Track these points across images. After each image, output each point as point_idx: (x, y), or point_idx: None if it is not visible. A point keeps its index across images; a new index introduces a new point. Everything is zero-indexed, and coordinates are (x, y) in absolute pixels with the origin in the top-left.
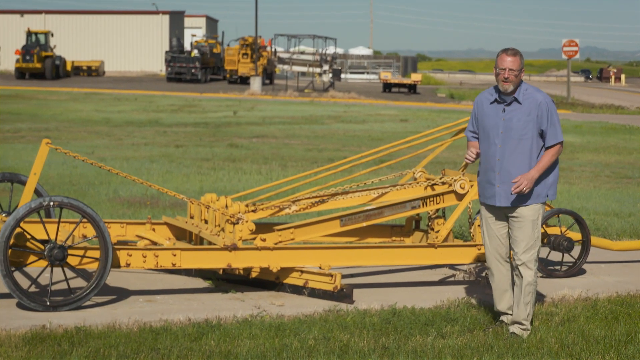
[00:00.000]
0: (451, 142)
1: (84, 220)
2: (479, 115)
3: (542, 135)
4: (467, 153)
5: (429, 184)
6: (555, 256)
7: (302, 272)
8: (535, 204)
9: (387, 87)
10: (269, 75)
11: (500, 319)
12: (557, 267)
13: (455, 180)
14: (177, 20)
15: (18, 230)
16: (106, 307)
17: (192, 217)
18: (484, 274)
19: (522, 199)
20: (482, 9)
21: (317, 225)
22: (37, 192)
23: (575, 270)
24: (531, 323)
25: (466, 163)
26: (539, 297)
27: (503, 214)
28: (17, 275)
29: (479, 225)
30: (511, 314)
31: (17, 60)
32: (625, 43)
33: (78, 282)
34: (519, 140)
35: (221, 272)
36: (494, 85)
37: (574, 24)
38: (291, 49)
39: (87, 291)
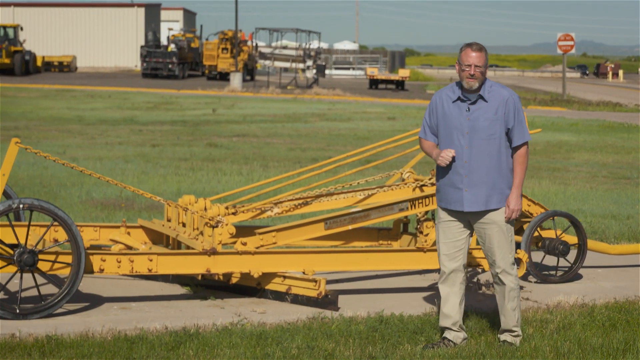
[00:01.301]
0: None
1: (55, 223)
2: (439, 114)
3: (508, 134)
4: (439, 156)
5: (418, 185)
6: (550, 260)
7: (284, 277)
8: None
9: (374, 83)
10: (249, 71)
11: (444, 335)
12: (552, 272)
13: None
14: (153, 13)
15: None
16: (79, 314)
17: (169, 220)
18: (475, 280)
19: (491, 202)
20: (473, 1)
21: (300, 228)
22: (5, 194)
23: (571, 275)
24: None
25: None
26: (533, 304)
27: (467, 219)
28: None
29: None
30: (456, 330)
31: None
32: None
33: (49, 289)
34: (487, 140)
35: (200, 277)
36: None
37: (569, 17)
38: (273, 44)
39: (59, 298)
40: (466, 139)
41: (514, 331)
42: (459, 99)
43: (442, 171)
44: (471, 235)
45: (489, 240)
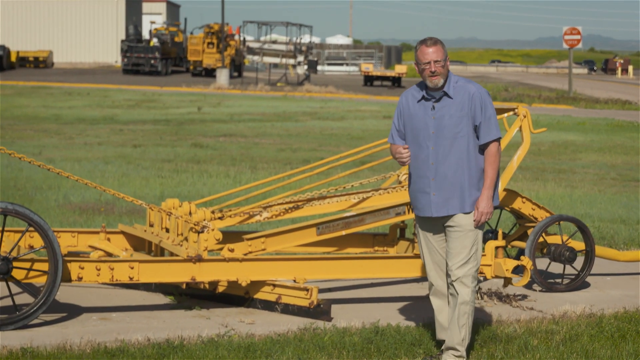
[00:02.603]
0: None
1: (31, 229)
2: (405, 116)
3: (476, 131)
4: (396, 154)
5: None
6: (556, 268)
7: (274, 286)
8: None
9: (369, 80)
10: (237, 67)
11: (442, 348)
12: (558, 280)
13: None
14: (134, 5)
15: None
16: (56, 325)
17: (151, 225)
18: (477, 288)
19: (460, 205)
20: None
21: (291, 233)
22: None
23: (578, 283)
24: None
25: (402, 164)
26: (538, 314)
27: (441, 224)
28: None
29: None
30: None
31: None
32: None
33: (24, 298)
34: (453, 139)
35: (184, 286)
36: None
37: (576, 9)
38: (262, 38)
39: (35, 308)
40: (432, 140)
41: (457, 350)
42: (423, 98)
43: (412, 177)
44: None
45: (452, 244)
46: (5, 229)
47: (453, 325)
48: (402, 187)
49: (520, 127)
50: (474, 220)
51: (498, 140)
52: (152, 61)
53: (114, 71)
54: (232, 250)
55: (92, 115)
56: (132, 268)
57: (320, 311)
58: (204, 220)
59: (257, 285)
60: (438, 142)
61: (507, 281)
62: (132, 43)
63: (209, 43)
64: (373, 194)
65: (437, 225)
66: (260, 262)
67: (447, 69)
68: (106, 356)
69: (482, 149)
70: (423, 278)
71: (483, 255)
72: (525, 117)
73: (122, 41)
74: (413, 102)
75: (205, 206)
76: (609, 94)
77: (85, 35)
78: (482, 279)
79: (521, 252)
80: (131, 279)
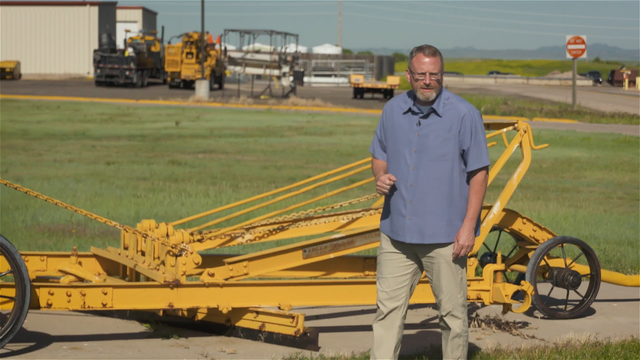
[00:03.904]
0: None
1: None
2: (388, 127)
3: (463, 156)
4: (377, 180)
5: None
6: (559, 293)
7: (257, 313)
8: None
9: (359, 92)
10: (217, 79)
11: None
12: (561, 307)
13: None
14: (107, 12)
15: None
16: (23, 356)
17: (126, 248)
18: (474, 315)
19: (438, 235)
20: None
21: (275, 257)
22: None
23: (583, 310)
24: None
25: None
26: (540, 342)
27: (413, 252)
28: None
29: (468, 257)
30: None
31: None
32: None
33: None
34: (436, 161)
35: (161, 313)
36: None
37: (580, 17)
38: (244, 48)
39: (1, 337)
40: (413, 159)
41: None
42: (410, 110)
43: (388, 193)
44: (421, 270)
45: (436, 278)
46: None
47: None
48: None
49: (521, 142)
50: (453, 254)
51: (487, 168)
52: (127, 72)
53: (86, 83)
54: (212, 275)
55: (62, 130)
56: (105, 294)
57: (306, 340)
58: (182, 242)
59: (239, 312)
60: (420, 163)
61: (507, 307)
62: (106, 53)
63: (187, 53)
64: (363, 214)
65: (409, 252)
66: (243, 288)
67: (441, 84)
68: None
69: (468, 176)
70: (417, 304)
71: (481, 280)
72: (525, 132)
73: (95, 51)
74: (398, 113)
75: (184, 227)
76: (615, 107)
77: (56, 44)
78: (480, 305)
79: (521, 276)
80: (104, 305)
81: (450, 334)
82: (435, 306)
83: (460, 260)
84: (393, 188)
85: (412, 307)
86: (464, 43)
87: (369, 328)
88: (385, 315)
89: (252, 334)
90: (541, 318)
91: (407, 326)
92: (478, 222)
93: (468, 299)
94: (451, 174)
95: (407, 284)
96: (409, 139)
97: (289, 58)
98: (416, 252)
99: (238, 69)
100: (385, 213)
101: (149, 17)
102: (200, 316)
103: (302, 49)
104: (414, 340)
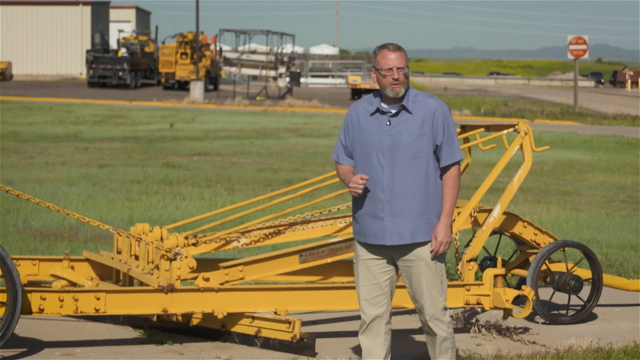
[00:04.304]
0: None
1: None
2: (355, 131)
3: (436, 152)
4: (350, 183)
5: None
6: (561, 298)
7: (253, 318)
8: None
9: (357, 93)
10: (212, 80)
11: None
12: (563, 312)
13: None
14: (100, 12)
15: None
16: None
17: (119, 252)
18: (474, 320)
19: (417, 234)
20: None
21: (271, 261)
22: None
23: (585, 315)
24: None
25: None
26: (541, 348)
27: (390, 256)
28: None
29: (468, 261)
30: None
31: None
32: None
33: None
34: (411, 159)
35: (155, 319)
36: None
37: (582, 17)
38: (240, 48)
39: None
40: (387, 159)
41: None
42: (377, 111)
43: (359, 198)
44: (397, 274)
45: (416, 281)
46: None
47: None
48: None
49: (521, 145)
50: (431, 251)
51: (459, 163)
52: (120, 73)
53: (78, 84)
54: (207, 280)
55: (54, 132)
56: (98, 299)
57: (303, 345)
58: (177, 246)
59: (234, 317)
60: (394, 162)
61: (507, 313)
62: (99, 53)
63: (182, 53)
64: None
65: (386, 255)
66: (238, 293)
67: (408, 79)
68: None
69: (442, 171)
70: (414, 309)
71: (481, 284)
72: (526, 134)
73: (88, 51)
74: (365, 116)
75: (178, 231)
76: (617, 108)
77: (48, 44)
78: (480, 310)
79: (522, 281)
80: (97, 310)
81: (437, 339)
82: None
83: (439, 260)
84: (366, 191)
85: (410, 312)
86: (463, 43)
87: None
88: (369, 324)
89: (248, 340)
90: (542, 323)
91: (404, 332)
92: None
93: (468, 304)
94: (426, 171)
95: (387, 290)
96: (379, 139)
97: (285, 58)
98: (393, 255)
99: (233, 69)
100: (359, 220)
101: (143, 16)
102: (195, 321)
103: (299, 50)
104: (412, 346)
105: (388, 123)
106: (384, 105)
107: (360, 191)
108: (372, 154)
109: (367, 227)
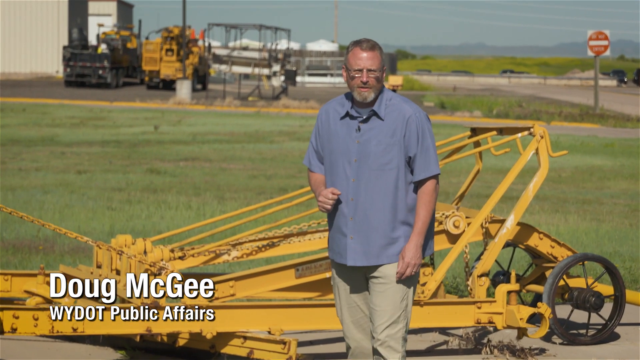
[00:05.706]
0: (441, 166)
1: None
2: (324, 135)
3: (410, 164)
4: (320, 197)
5: None
6: (580, 316)
7: (245, 338)
8: None
9: None
10: (201, 79)
11: None
12: (582, 331)
13: (446, 217)
14: (78, 5)
15: None
16: None
17: (99, 267)
18: (485, 340)
19: (383, 255)
20: None
21: (265, 276)
22: None
23: (606, 334)
24: None
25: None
26: None
27: (362, 274)
28: None
29: (479, 276)
30: None
31: None
32: None
33: None
34: (379, 171)
35: (138, 339)
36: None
37: (602, 10)
38: (230, 44)
39: None
40: (353, 169)
41: None
42: (347, 114)
43: (329, 213)
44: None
45: (378, 299)
46: None
47: None
48: None
49: (537, 149)
50: (397, 273)
51: (436, 177)
52: (100, 71)
53: (54, 83)
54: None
55: (28, 136)
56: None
57: None
58: (162, 260)
59: (224, 337)
60: (360, 173)
61: (522, 332)
62: (77, 50)
63: (167, 50)
64: None
65: (358, 275)
66: (229, 310)
67: (381, 83)
68: None
69: (416, 186)
70: (423, 329)
71: (493, 301)
72: (542, 137)
73: (65, 47)
74: (335, 118)
75: (163, 244)
76: None
77: (21, 40)
78: (492, 329)
79: (538, 297)
80: (75, 330)
81: None
82: (443, 330)
83: (408, 282)
84: (338, 202)
85: (416, 331)
86: (473, 39)
87: None
88: (354, 348)
89: None
90: (560, 344)
91: (410, 353)
92: (428, 238)
93: (479, 323)
94: (396, 184)
95: (368, 311)
96: (347, 147)
97: (280, 55)
98: (365, 272)
99: (223, 67)
100: (330, 237)
101: (125, 10)
102: (181, 342)
103: (295, 46)
104: None
105: (357, 129)
106: (354, 109)
107: (329, 207)
108: (339, 163)
109: (334, 244)
